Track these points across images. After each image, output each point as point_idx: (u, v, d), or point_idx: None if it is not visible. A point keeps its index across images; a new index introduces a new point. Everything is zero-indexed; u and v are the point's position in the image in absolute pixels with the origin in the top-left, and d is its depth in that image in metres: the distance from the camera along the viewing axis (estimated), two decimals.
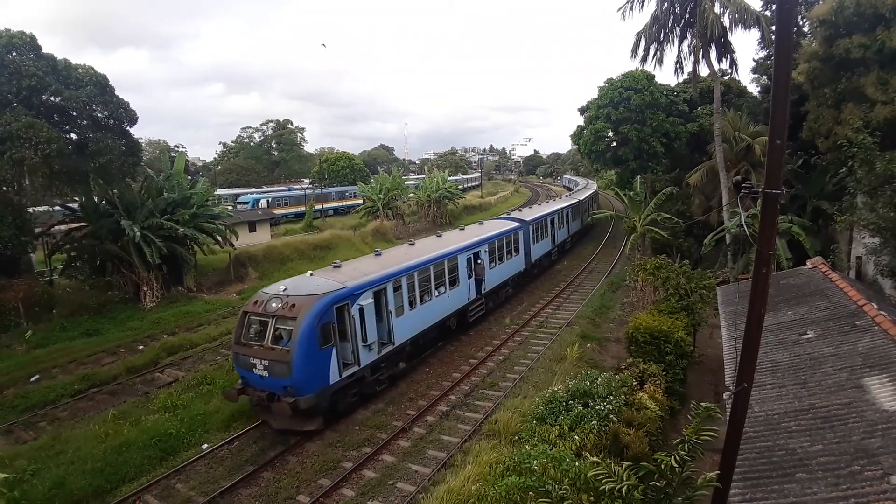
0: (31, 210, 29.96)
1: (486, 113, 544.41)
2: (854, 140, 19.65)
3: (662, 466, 7.03)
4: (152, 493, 14.27)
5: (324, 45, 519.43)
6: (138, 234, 28.40)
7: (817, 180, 28.21)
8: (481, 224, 32.00)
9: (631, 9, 31.94)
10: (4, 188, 26.60)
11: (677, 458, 6.93)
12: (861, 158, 19.40)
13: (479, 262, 26.08)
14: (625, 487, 6.90)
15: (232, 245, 36.11)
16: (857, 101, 23.03)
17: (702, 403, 7.35)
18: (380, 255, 22.87)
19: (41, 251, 33.29)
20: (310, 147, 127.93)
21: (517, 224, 32.21)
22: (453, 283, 23.87)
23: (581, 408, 13.31)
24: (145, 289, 30.70)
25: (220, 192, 62.56)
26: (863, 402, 8.99)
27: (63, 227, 32.55)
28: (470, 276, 25.31)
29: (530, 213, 37.29)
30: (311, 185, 77.11)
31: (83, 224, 31.06)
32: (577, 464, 9.17)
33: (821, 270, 16.97)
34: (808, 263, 18.50)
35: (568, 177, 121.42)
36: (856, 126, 20.28)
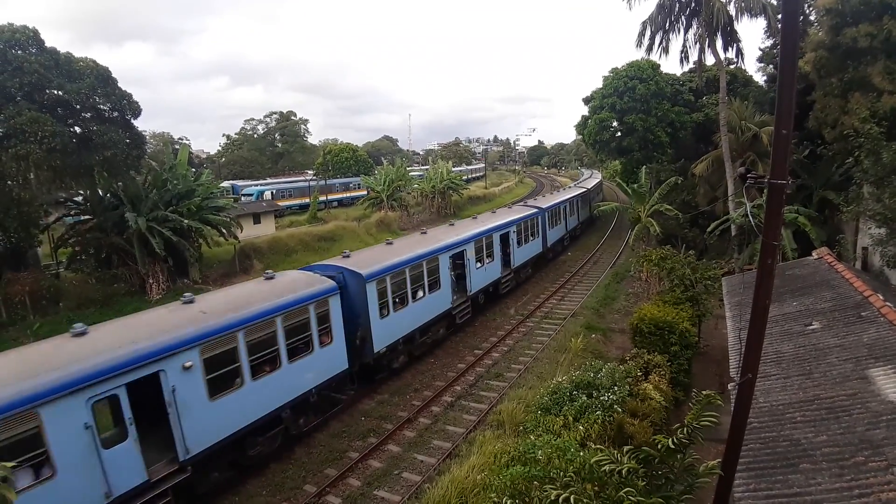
0: (45, 207, 30.06)
1: (490, 104, 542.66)
2: (861, 130, 19.50)
3: (660, 447, 7.09)
4: None
5: None
6: (143, 225, 28.50)
7: (823, 170, 28.05)
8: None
9: None
10: (10, 182, 26.71)
11: (675, 440, 6.98)
12: (868, 148, 19.25)
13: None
14: (625, 469, 6.96)
15: (236, 237, 36.18)
16: (863, 90, 22.84)
17: (702, 392, 7.39)
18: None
19: (47, 245, 33.45)
20: (314, 138, 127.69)
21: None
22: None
23: (585, 398, 13.34)
24: (151, 281, 30.86)
25: (224, 184, 62.65)
26: (868, 393, 8.98)
27: (67, 219, 32.72)
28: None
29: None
30: (314, 177, 77.06)
31: (88, 217, 31.18)
32: (581, 454, 9.20)
33: (826, 261, 16.91)
34: (813, 254, 18.46)
35: (583, 170, 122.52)
36: (862, 116, 20.11)
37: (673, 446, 6.97)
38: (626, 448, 7.42)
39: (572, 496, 7.00)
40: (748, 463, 8.07)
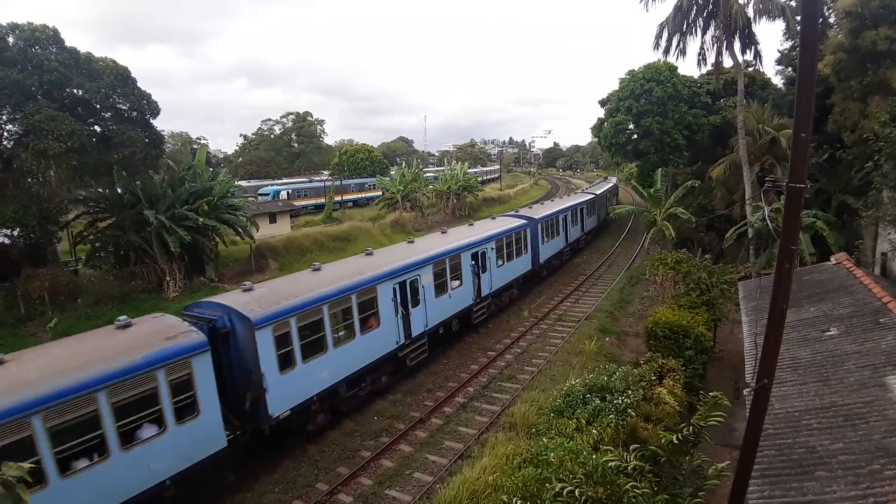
0: (65, 204, 30.45)
1: (505, 106, 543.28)
2: (881, 134, 19.28)
3: (664, 442, 7.08)
4: None
5: None
6: (165, 221, 28.84)
7: (843, 174, 27.70)
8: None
9: None
10: (30, 180, 27.12)
11: (679, 436, 6.96)
12: (887, 152, 19.03)
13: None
14: (630, 466, 6.97)
15: (251, 237, 36.45)
16: (883, 93, 22.55)
17: (710, 393, 7.36)
18: None
19: (66, 241, 33.92)
20: (329, 139, 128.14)
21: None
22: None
23: (599, 402, 13.25)
24: (168, 279, 31.19)
25: (242, 183, 63.13)
26: (885, 401, 8.88)
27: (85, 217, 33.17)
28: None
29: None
30: (330, 177, 77.47)
31: (107, 215, 31.59)
32: (594, 457, 9.18)
33: (845, 266, 16.71)
34: (831, 259, 18.24)
35: (600, 175, 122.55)
36: (882, 119, 19.89)
37: (677, 442, 6.95)
38: (632, 447, 7.42)
39: (577, 489, 7.00)
40: (763, 469, 8.01)
